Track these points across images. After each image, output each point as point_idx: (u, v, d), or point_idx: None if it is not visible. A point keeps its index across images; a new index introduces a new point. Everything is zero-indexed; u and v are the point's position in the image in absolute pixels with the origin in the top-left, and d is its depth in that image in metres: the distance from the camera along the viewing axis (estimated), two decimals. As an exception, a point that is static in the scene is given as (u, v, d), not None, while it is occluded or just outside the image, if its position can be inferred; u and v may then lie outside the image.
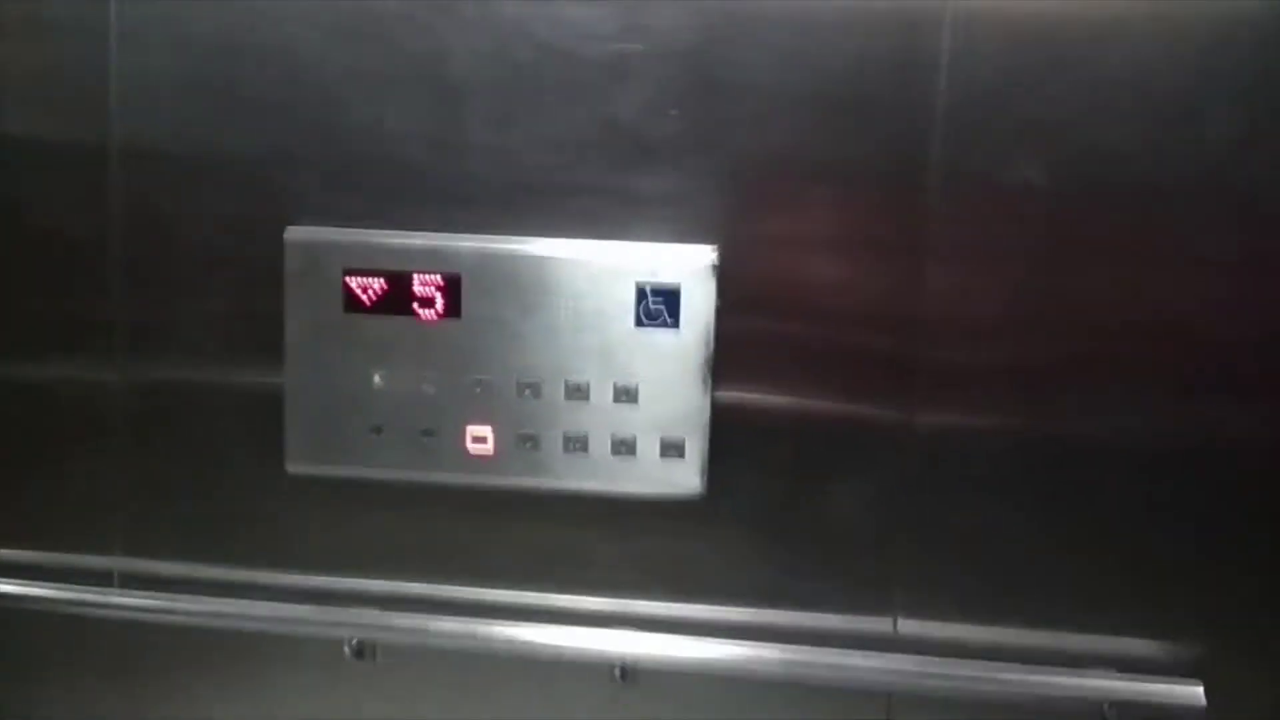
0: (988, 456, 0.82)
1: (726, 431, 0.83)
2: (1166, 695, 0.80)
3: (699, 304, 0.81)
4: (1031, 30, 0.77)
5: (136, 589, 0.90)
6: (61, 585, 0.90)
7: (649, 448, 0.82)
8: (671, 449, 0.82)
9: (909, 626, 0.85)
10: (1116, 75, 0.76)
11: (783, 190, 0.80)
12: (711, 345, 0.81)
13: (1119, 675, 0.81)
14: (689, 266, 0.80)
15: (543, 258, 0.81)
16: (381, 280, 0.82)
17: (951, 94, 0.77)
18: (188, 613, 0.89)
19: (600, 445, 0.83)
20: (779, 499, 0.84)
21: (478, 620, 0.86)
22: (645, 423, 0.82)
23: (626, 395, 0.82)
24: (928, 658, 0.83)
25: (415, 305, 0.82)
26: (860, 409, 0.82)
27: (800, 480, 0.84)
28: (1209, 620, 0.82)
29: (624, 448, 0.82)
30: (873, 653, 0.84)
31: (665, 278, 0.80)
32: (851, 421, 0.82)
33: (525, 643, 0.86)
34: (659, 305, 0.81)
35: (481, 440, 0.83)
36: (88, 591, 0.90)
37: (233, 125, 0.83)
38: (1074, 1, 0.76)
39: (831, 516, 0.84)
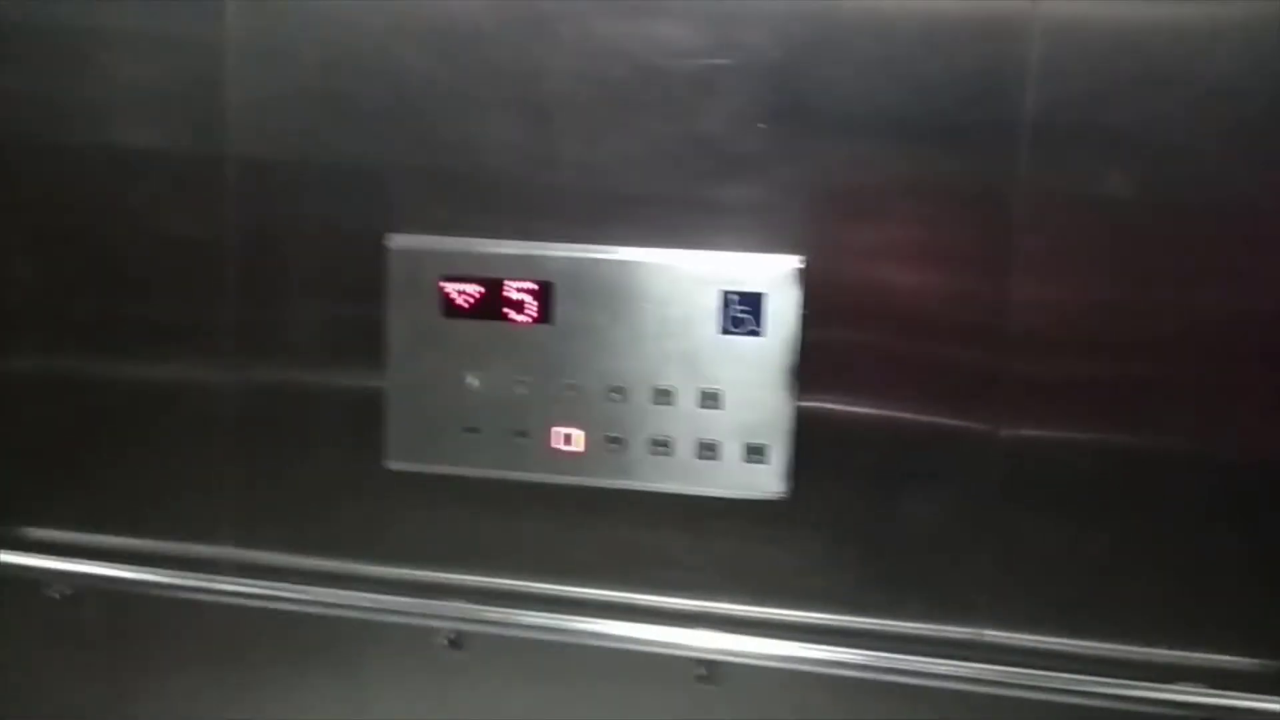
0: (1073, 468, 0.82)
1: (810, 438, 0.84)
2: (1255, 711, 0.79)
3: (783, 311, 0.82)
4: (1119, 41, 0.76)
5: (246, 577, 0.94)
6: (176, 572, 0.95)
7: (733, 451, 0.84)
8: (755, 453, 0.84)
9: (993, 635, 0.84)
10: (1205, 87, 0.76)
11: (868, 202, 0.81)
12: (796, 352, 0.82)
13: (1207, 690, 0.81)
14: (773, 275, 0.82)
15: (631, 265, 0.83)
16: (477, 286, 0.85)
17: (1038, 106, 0.77)
18: (293, 600, 0.93)
19: (685, 448, 0.84)
20: (862, 505, 0.85)
21: (565, 615, 0.89)
22: (729, 427, 0.84)
23: (711, 400, 0.84)
24: (1011, 669, 0.83)
25: (508, 310, 0.85)
26: (944, 419, 0.83)
27: (883, 487, 0.84)
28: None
29: (708, 451, 0.84)
30: (956, 661, 0.84)
31: (750, 285, 0.82)
32: (935, 431, 0.83)
33: (611, 638, 0.88)
34: (744, 312, 0.82)
35: (571, 441, 0.86)
36: (200, 579, 0.94)
37: (339, 137, 0.87)
38: (1162, 10, 0.76)
39: (915, 524, 0.84)
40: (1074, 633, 0.84)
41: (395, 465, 0.89)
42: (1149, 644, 0.83)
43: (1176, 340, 0.79)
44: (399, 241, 0.86)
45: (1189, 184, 0.77)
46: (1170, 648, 0.82)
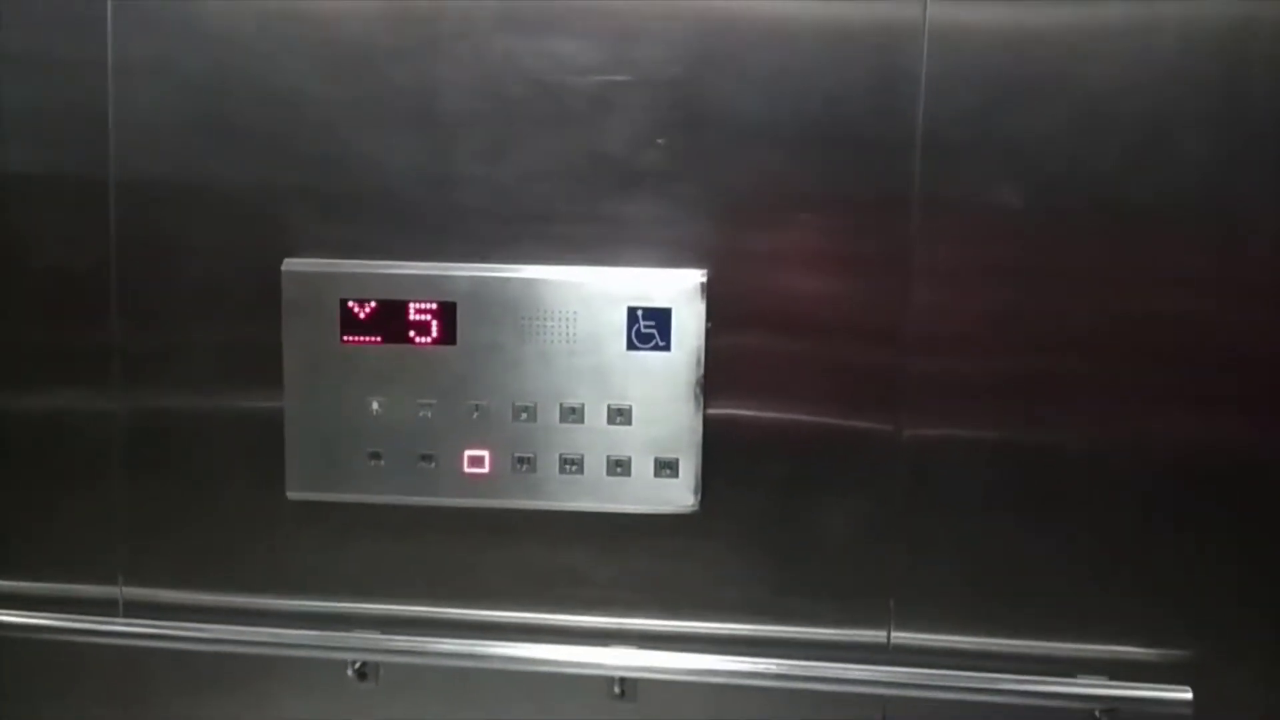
0: (976, 467, 0.84)
1: (719, 449, 0.84)
2: (1155, 700, 0.81)
3: (689, 326, 0.82)
4: (1008, 50, 0.78)
5: (140, 616, 0.90)
6: (66, 615, 0.91)
7: (643, 467, 0.84)
8: (665, 467, 0.84)
9: (902, 637, 0.86)
10: (1093, 92, 0.78)
11: (768, 213, 0.82)
12: (702, 365, 0.83)
13: (1109, 682, 0.83)
14: (678, 289, 0.82)
15: (536, 283, 0.83)
16: (378, 309, 0.83)
17: (930, 116, 0.79)
18: (192, 639, 0.89)
19: (595, 466, 0.84)
20: (771, 514, 0.85)
21: (477, 640, 0.88)
22: (639, 443, 0.84)
23: (620, 416, 0.83)
24: (921, 670, 0.84)
25: (411, 333, 0.83)
26: (849, 423, 0.84)
27: (792, 495, 0.85)
28: (1196, 626, 0.84)
29: (619, 467, 0.84)
30: (867, 665, 0.85)
31: (656, 301, 0.82)
32: (841, 435, 0.84)
33: (525, 660, 0.87)
34: (650, 328, 0.82)
35: (479, 463, 0.85)
36: (92, 620, 0.90)
37: (230, 159, 0.85)
38: (1049, 16, 0.78)
39: (824, 529, 0.85)
40: (978, 630, 0.85)
41: (295, 495, 0.87)
42: (1051, 638, 0.85)
43: (1072, 341, 0.81)
44: (294, 265, 0.84)
45: (1079, 189, 0.80)
46: (1072, 641, 0.85)
